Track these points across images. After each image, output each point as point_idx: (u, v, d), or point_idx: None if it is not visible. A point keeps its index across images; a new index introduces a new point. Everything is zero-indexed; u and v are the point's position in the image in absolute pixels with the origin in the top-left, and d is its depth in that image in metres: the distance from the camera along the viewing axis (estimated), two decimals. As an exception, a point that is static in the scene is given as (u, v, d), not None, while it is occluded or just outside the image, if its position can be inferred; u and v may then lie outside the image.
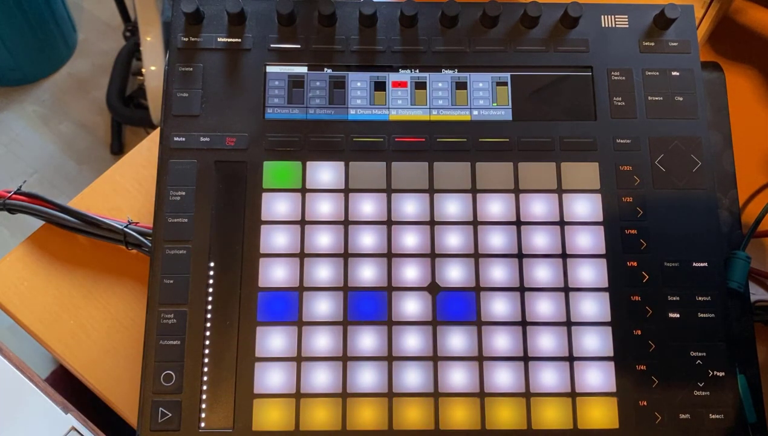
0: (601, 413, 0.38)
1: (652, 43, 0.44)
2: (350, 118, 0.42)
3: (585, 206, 0.41)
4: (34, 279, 0.46)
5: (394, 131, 0.42)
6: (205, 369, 0.38)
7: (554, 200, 0.41)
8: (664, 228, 0.41)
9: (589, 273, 0.40)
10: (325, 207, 0.41)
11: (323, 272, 0.40)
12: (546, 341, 0.39)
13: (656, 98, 0.43)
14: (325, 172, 0.41)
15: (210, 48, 0.43)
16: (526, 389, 0.38)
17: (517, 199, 0.41)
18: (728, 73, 0.47)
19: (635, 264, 0.40)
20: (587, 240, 0.41)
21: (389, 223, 0.41)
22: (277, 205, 0.41)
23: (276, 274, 0.40)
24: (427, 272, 0.40)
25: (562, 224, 0.41)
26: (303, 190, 0.41)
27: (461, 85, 0.43)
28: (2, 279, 0.46)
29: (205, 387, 0.38)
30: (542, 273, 0.40)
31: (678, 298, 0.40)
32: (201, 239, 0.40)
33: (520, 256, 0.40)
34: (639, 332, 0.39)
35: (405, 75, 0.43)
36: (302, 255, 0.40)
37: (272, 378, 0.38)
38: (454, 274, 0.40)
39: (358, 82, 0.43)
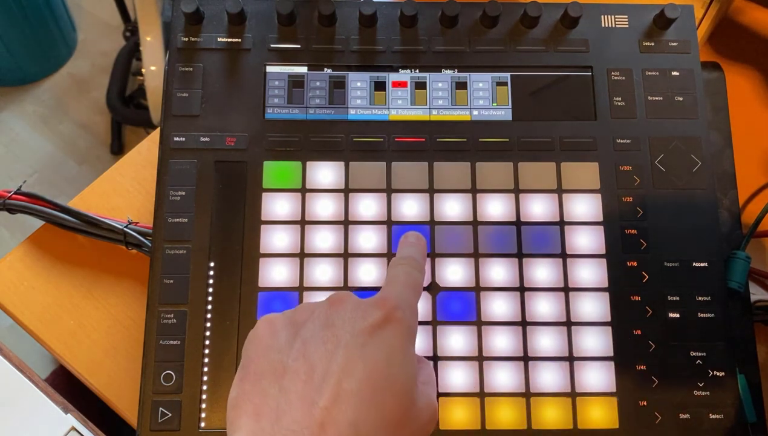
0: (601, 413, 0.38)
1: (652, 43, 0.44)
2: (350, 118, 0.42)
3: (585, 206, 0.41)
4: (34, 279, 0.46)
5: (394, 131, 0.42)
6: (205, 369, 0.38)
7: (554, 200, 0.41)
8: (664, 228, 0.41)
9: (589, 273, 0.40)
10: (325, 207, 0.41)
11: (323, 272, 0.40)
12: (546, 341, 0.39)
13: (656, 98, 0.43)
14: (325, 172, 0.41)
15: (210, 48, 0.43)
16: (526, 389, 0.38)
17: (517, 199, 0.41)
18: (728, 73, 0.47)
19: (635, 264, 0.40)
20: (587, 240, 0.41)
21: (389, 223, 0.41)
22: (277, 206, 0.41)
23: (276, 274, 0.40)
24: (427, 271, 0.40)
25: (562, 223, 0.41)
26: (303, 190, 0.41)
27: (461, 85, 0.43)
28: (2, 279, 0.46)
29: (205, 387, 0.38)
30: (542, 273, 0.40)
31: (678, 298, 0.40)
32: (201, 239, 0.40)
33: (519, 256, 0.40)
34: (639, 332, 0.39)
35: (405, 75, 0.43)
36: (302, 255, 0.40)
37: (272, 378, 0.38)
38: (454, 274, 0.40)
39: (358, 82, 0.43)
